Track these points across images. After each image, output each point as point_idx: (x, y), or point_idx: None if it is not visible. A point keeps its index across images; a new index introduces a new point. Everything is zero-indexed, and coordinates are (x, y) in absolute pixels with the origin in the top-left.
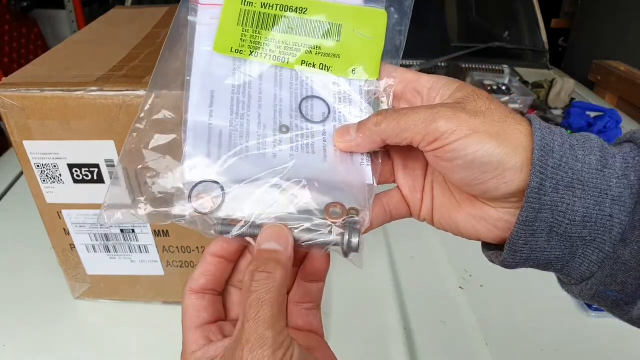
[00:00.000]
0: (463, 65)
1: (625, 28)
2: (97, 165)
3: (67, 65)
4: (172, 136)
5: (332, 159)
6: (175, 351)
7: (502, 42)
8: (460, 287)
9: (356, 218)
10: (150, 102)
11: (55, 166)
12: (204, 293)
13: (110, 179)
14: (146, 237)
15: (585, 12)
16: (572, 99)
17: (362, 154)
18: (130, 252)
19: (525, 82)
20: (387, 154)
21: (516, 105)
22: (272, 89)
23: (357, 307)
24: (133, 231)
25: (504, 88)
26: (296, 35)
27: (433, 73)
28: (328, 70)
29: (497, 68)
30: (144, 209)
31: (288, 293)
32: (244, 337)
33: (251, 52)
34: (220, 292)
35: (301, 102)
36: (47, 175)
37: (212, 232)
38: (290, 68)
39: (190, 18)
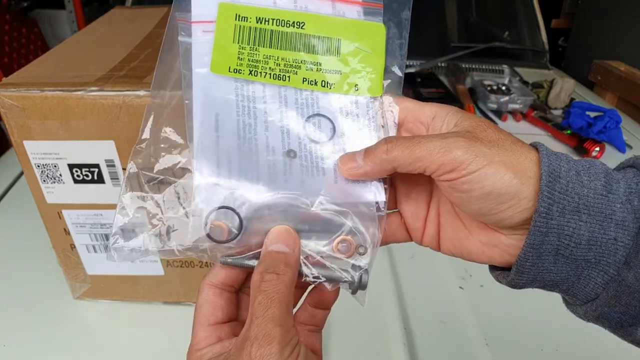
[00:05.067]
0: (463, 65)
1: (625, 28)
2: (97, 165)
3: (67, 65)
4: (177, 157)
5: (342, 180)
6: (174, 351)
7: (502, 42)
8: (460, 287)
9: (365, 256)
10: (150, 121)
11: (55, 166)
12: (222, 289)
13: (111, 179)
14: None
15: (585, 12)
16: (572, 99)
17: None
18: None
19: (525, 82)
20: (389, 180)
21: (516, 105)
22: (277, 109)
23: (357, 306)
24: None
25: (504, 88)
26: (295, 52)
27: (433, 73)
28: (330, 87)
29: (497, 68)
30: (154, 244)
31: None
32: (252, 334)
33: (250, 72)
34: (237, 290)
35: (306, 120)
36: (47, 175)
37: (221, 262)
38: (293, 86)
39: (181, 38)
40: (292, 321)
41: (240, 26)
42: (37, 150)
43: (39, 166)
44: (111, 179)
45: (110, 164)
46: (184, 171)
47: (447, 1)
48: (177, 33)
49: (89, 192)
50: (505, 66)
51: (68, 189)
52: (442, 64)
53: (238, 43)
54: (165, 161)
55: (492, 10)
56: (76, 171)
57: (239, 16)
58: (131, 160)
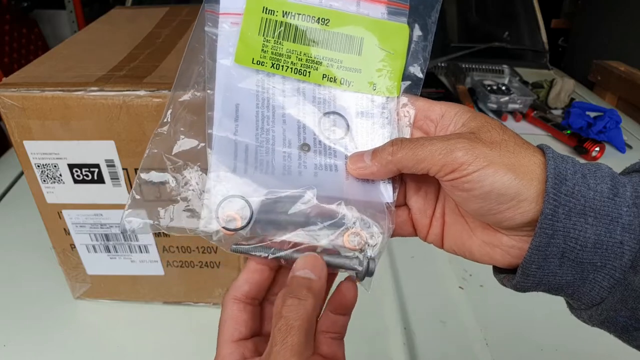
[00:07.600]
0: (463, 65)
1: (625, 28)
2: (97, 165)
3: (67, 65)
4: (196, 142)
5: (353, 178)
6: (174, 351)
7: (502, 42)
8: (460, 287)
9: (375, 247)
10: (172, 106)
11: (55, 166)
12: (245, 302)
13: (111, 179)
14: (146, 237)
15: (585, 12)
16: (572, 99)
17: None
18: (131, 252)
19: (525, 82)
20: (399, 176)
21: (516, 105)
22: (294, 103)
23: (357, 306)
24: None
25: (503, 88)
26: (318, 48)
27: (433, 73)
28: (349, 85)
29: (497, 68)
30: (166, 220)
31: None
32: None
33: (273, 64)
34: (261, 301)
35: (322, 117)
36: (47, 175)
37: (231, 249)
38: (312, 82)
39: (207, 29)
40: (312, 350)
41: (266, 19)
42: (37, 150)
43: (39, 166)
44: (111, 179)
45: (110, 164)
46: (202, 155)
47: (447, 1)
48: (205, 24)
49: (89, 192)
50: (505, 66)
51: (68, 189)
52: (442, 64)
53: (263, 36)
54: (183, 144)
55: (492, 10)
56: (76, 171)
57: (267, 9)
58: (151, 142)
